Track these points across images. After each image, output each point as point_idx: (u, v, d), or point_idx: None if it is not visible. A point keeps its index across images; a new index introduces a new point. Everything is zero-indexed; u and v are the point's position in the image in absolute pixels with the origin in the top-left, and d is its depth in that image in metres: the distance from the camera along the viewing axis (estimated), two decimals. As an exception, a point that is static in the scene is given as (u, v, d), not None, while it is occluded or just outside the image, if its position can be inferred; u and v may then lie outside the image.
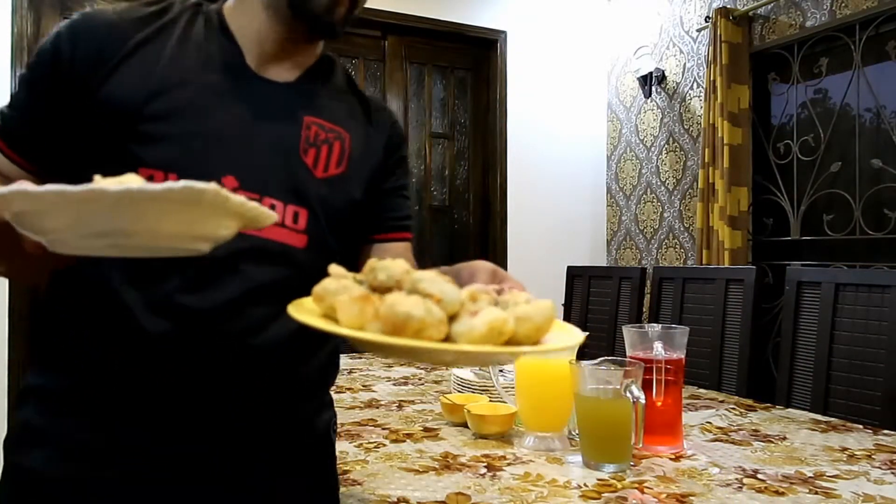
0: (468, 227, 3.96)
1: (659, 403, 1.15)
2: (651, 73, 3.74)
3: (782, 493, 0.94)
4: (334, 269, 0.63)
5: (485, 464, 1.07)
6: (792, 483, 0.99)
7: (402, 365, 2.04)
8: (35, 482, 0.79)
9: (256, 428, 0.86)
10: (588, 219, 4.14)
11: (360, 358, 2.18)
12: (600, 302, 2.57)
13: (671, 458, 1.11)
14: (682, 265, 3.58)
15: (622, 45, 4.05)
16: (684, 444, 1.19)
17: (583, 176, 4.13)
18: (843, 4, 2.87)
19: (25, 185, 0.52)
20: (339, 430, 1.27)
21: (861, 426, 1.34)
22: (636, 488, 0.96)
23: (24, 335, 2.88)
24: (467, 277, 0.75)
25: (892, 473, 1.03)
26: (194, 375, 0.80)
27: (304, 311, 0.60)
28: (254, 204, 0.57)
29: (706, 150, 3.24)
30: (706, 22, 3.37)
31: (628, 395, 1.02)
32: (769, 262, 3.22)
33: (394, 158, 0.99)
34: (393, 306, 0.53)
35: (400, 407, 1.49)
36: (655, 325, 1.26)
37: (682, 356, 1.19)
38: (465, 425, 1.29)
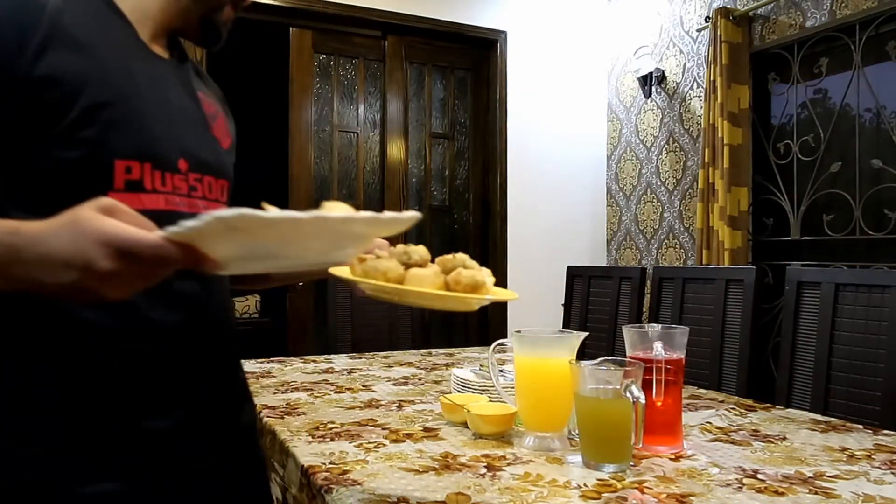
0: (468, 227, 3.96)
1: (659, 403, 1.15)
2: (651, 73, 3.74)
3: (782, 494, 0.94)
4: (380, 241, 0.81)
5: (485, 464, 1.07)
6: (792, 483, 0.99)
7: (402, 365, 2.04)
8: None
9: (240, 417, 0.91)
10: (588, 219, 4.15)
11: (361, 358, 2.18)
12: (600, 302, 2.56)
13: (671, 459, 1.10)
14: (682, 265, 3.58)
15: (622, 45, 4.05)
16: (684, 444, 1.19)
17: (583, 176, 4.13)
18: (843, 4, 2.87)
19: (247, 210, 0.54)
20: (339, 430, 1.28)
21: (861, 426, 1.34)
22: (636, 488, 0.96)
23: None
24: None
25: (892, 473, 1.03)
26: (203, 365, 0.81)
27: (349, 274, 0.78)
28: (404, 215, 0.66)
29: (706, 150, 3.24)
30: (706, 22, 3.37)
31: (628, 395, 1.02)
32: (769, 262, 3.22)
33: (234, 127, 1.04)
34: (471, 276, 0.81)
35: (400, 407, 1.49)
36: (655, 325, 1.26)
37: (682, 356, 1.19)
38: (465, 425, 1.29)
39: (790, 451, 1.15)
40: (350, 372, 1.92)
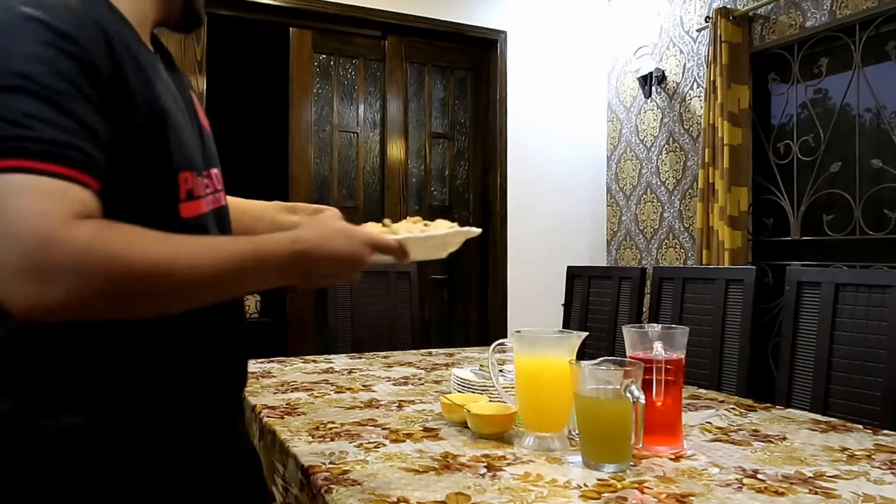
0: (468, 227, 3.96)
1: (659, 403, 1.15)
2: (651, 73, 3.74)
3: (782, 494, 0.94)
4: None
5: (485, 464, 1.07)
6: (792, 483, 0.99)
7: (402, 365, 2.04)
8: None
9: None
10: (588, 219, 4.15)
11: (361, 358, 2.18)
12: (600, 302, 2.56)
13: (671, 458, 1.11)
14: (682, 265, 3.58)
15: (622, 45, 4.05)
16: (684, 444, 1.19)
17: (583, 176, 4.13)
18: (843, 4, 2.87)
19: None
20: (339, 430, 1.28)
21: (861, 426, 1.34)
22: (636, 488, 0.96)
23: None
24: None
25: (892, 473, 1.03)
26: (242, 350, 0.90)
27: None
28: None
29: (706, 150, 3.24)
30: (706, 22, 3.37)
31: (628, 395, 1.02)
32: (769, 262, 3.22)
33: None
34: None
35: (400, 407, 1.49)
36: (655, 325, 1.26)
37: (682, 356, 1.19)
38: (465, 425, 1.29)
39: (790, 451, 1.15)
40: (350, 372, 1.92)
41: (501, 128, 3.89)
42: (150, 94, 0.73)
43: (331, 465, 1.06)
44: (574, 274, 2.76)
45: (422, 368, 1.99)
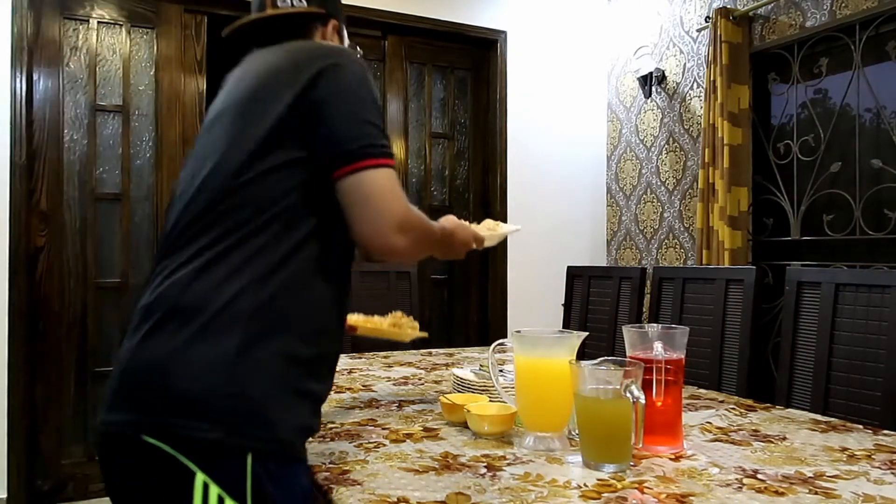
0: (468, 227, 3.96)
1: (659, 403, 1.15)
2: (651, 73, 3.74)
3: (782, 493, 0.94)
4: None
5: (485, 464, 1.07)
6: (792, 483, 0.99)
7: (402, 365, 2.04)
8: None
9: None
10: (588, 219, 4.15)
11: (360, 358, 2.18)
12: (600, 302, 2.56)
13: (671, 458, 1.11)
14: (682, 265, 3.58)
15: (622, 45, 4.05)
16: (684, 444, 1.19)
17: (583, 176, 4.13)
18: (843, 4, 2.87)
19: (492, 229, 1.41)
20: (339, 430, 1.28)
21: (861, 426, 1.34)
22: (636, 488, 0.96)
23: (23, 335, 2.88)
24: None
25: (892, 473, 1.03)
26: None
27: None
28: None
29: (706, 150, 3.24)
30: (706, 22, 3.37)
31: (628, 395, 1.02)
32: (769, 262, 3.22)
33: None
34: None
35: (400, 407, 1.49)
36: (655, 325, 1.26)
37: (682, 356, 1.19)
38: (465, 425, 1.29)
39: (790, 451, 1.15)
40: (350, 372, 1.92)
41: (501, 128, 3.89)
42: None
43: (331, 465, 1.06)
44: (574, 274, 2.75)
45: (422, 368, 1.99)
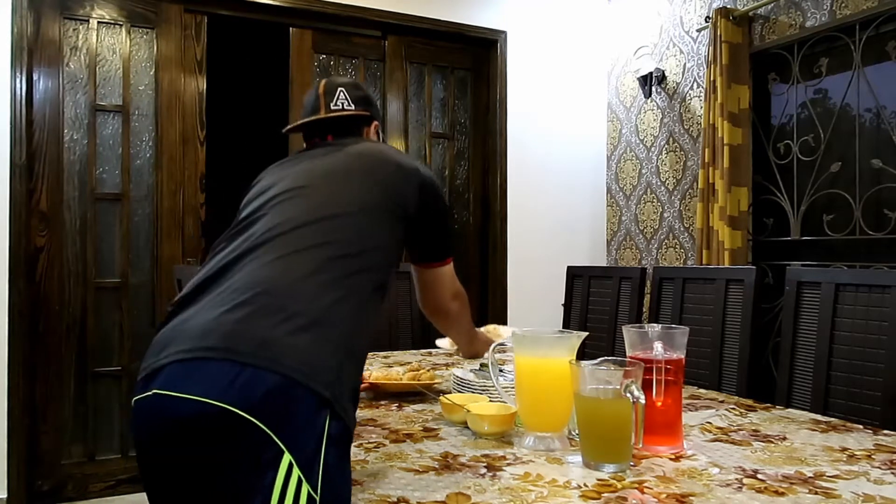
0: (468, 227, 3.96)
1: (659, 403, 1.15)
2: (651, 73, 3.74)
3: (782, 493, 0.94)
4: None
5: (485, 464, 1.07)
6: (792, 483, 0.99)
7: (402, 365, 2.04)
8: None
9: None
10: (588, 219, 4.15)
11: (360, 358, 2.18)
12: (600, 302, 2.56)
13: (671, 458, 1.10)
14: (682, 265, 3.58)
15: (622, 45, 4.05)
16: (684, 444, 1.19)
17: (583, 176, 4.13)
18: (843, 4, 2.87)
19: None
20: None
21: (861, 426, 1.34)
22: (636, 488, 0.96)
23: (23, 335, 2.88)
24: None
25: (892, 473, 1.03)
26: None
27: None
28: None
29: (706, 150, 3.24)
30: (706, 22, 3.37)
31: (628, 395, 1.02)
32: (769, 262, 3.22)
33: None
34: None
35: (400, 407, 1.49)
36: (655, 325, 1.26)
37: (682, 356, 1.19)
38: (465, 425, 1.29)
39: (790, 451, 1.15)
40: (350, 372, 1.92)
41: (501, 128, 3.90)
42: None
43: (331, 465, 1.06)
44: (574, 274, 2.75)
45: (422, 368, 1.98)
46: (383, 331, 2.62)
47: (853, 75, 2.90)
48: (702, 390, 1.74)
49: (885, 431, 1.29)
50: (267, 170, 1.35)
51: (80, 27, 3.08)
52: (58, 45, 3.03)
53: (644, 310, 2.49)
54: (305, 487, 0.87)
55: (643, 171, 3.90)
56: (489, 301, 3.92)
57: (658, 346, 1.18)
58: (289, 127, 1.48)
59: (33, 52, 2.96)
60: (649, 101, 3.84)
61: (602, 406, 1.07)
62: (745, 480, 1.00)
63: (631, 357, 1.18)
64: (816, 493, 0.94)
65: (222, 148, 4.66)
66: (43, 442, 2.96)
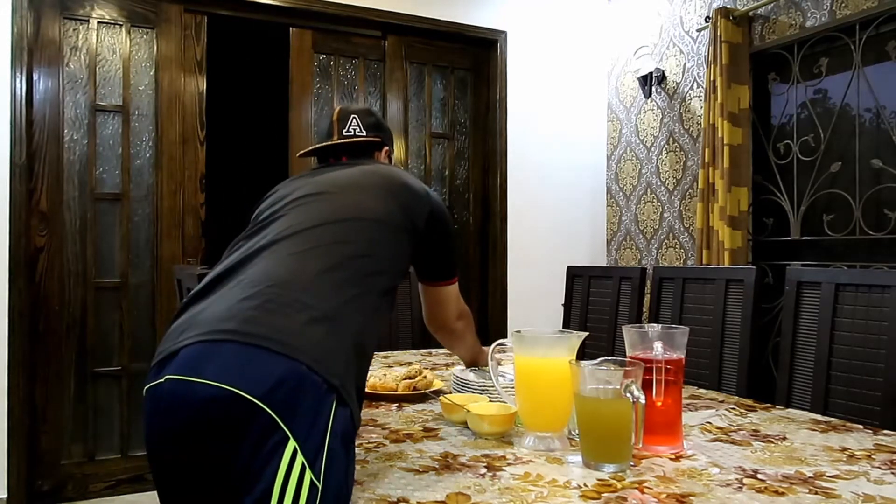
0: (468, 227, 3.96)
1: (659, 403, 1.15)
2: (651, 73, 3.74)
3: (782, 493, 0.94)
4: None
5: (485, 464, 1.07)
6: (792, 483, 0.99)
7: (402, 365, 2.04)
8: None
9: None
10: (588, 219, 4.15)
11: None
12: (600, 302, 2.56)
13: (671, 458, 1.11)
14: (682, 265, 3.58)
15: (622, 45, 4.05)
16: (684, 444, 1.19)
17: (583, 176, 4.13)
18: (843, 4, 2.87)
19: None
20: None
21: (861, 426, 1.34)
22: (636, 488, 0.96)
23: (23, 335, 2.88)
24: None
25: (892, 473, 1.03)
26: None
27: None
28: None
29: (706, 150, 3.24)
30: (706, 22, 3.37)
31: (628, 395, 1.02)
32: (769, 262, 3.22)
33: None
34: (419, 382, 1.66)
35: (400, 407, 1.49)
36: (655, 325, 1.26)
37: (682, 356, 1.19)
38: (465, 425, 1.29)
39: (790, 451, 1.15)
40: (350, 372, 1.92)
41: (501, 128, 3.89)
42: None
43: (331, 465, 1.06)
44: (574, 274, 2.75)
45: (422, 371, 1.98)
46: (383, 331, 2.62)
47: (853, 75, 2.90)
48: (702, 390, 1.74)
49: (885, 431, 1.29)
50: (282, 182, 1.39)
51: (80, 27, 3.08)
52: (58, 45, 3.03)
53: (644, 310, 2.49)
54: (308, 474, 0.88)
55: (643, 171, 3.90)
56: (489, 301, 3.92)
57: (658, 346, 1.18)
58: (303, 152, 1.54)
59: (33, 52, 2.96)
60: (649, 101, 3.84)
61: (602, 406, 1.07)
62: (745, 480, 1.00)
63: (631, 357, 1.18)
64: (816, 493, 0.94)
65: (222, 148, 4.66)
66: (43, 442, 2.96)
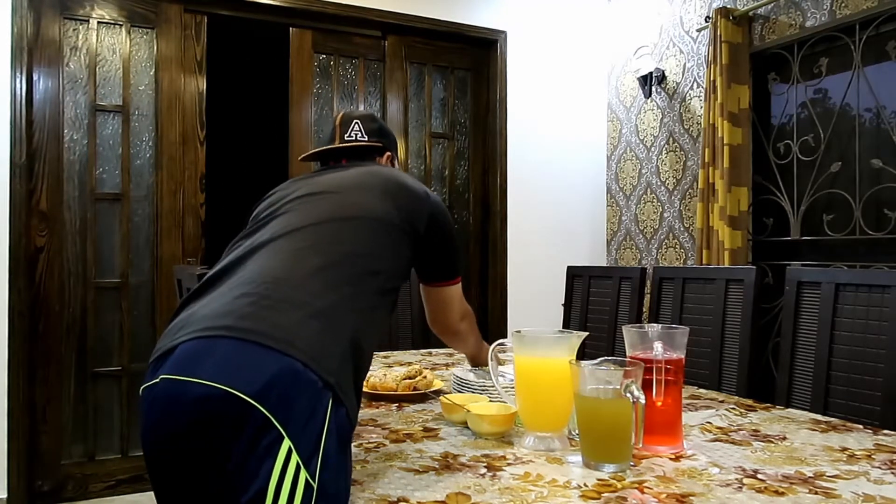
0: (468, 227, 3.96)
1: (659, 403, 1.15)
2: (651, 73, 3.74)
3: (782, 493, 0.94)
4: None
5: (485, 464, 1.07)
6: (792, 483, 0.99)
7: (402, 365, 2.04)
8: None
9: None
10: (588, 219, 4.15)
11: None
12: (600, 302, 2.56)
13: (671, 458, 1.11)
14: (682, 265, 3.58)
15: (622, 45, 4.05)
16: (684, 444, 1.19)
17: (583, 176, 4.13)
18: (843, 4, 2.87)
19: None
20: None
21: (861, 426, 1.34)
22: (636, 488, 0.96)
23: (23, 335, 2.88)
24: None
25: (892, 473, 1.03)
26: None
27: None
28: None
29: (706, 150, 3.24)
30: (706, 22, 3.37)
31: (628, 395, 1.02)
32: (769, 262, 3.22)
33: None
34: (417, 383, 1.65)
35: (400, 407, 1.49)
36: (655, 325, 1.26)
37: (682, 356, 1.19)
38: (465, 425, 1.29)
39: (790, 451, 1.15)
40: (350, 372, 1.92)
41: (501, 128, 3.90)
42: None
43: (331, 465, 1.06)
44: (574, 274, 2.75)
45: (422, 371, 1.98)
46: (383, 331, 2.62)
47: (853, 75, 2.90)
48: (702, 390, 1.74)
49: (885, 431, 1.29)
50: (282, 184, 1.39)
51: (80, 27, 3.08)
52: (58, 45, 3.03)
53: (644, 310, 2.49)
54: (304, 474, 0.88)
55: (643, 171, 3.90)
56: (489, 301, 3.92)
57: (658, 346, 1.18)
58: (304, 155, 1.56)
59: (33, 52, 2.96)
60: (649, 101, 3.84)
61: (602, 406, 1.07)
62: (745, 480, 1.00)
63: (631, 357, 1.18)
64: (816, 493, 0.94)
65: (222, 148, 4.66)
66: (43, 442, 2.96)
